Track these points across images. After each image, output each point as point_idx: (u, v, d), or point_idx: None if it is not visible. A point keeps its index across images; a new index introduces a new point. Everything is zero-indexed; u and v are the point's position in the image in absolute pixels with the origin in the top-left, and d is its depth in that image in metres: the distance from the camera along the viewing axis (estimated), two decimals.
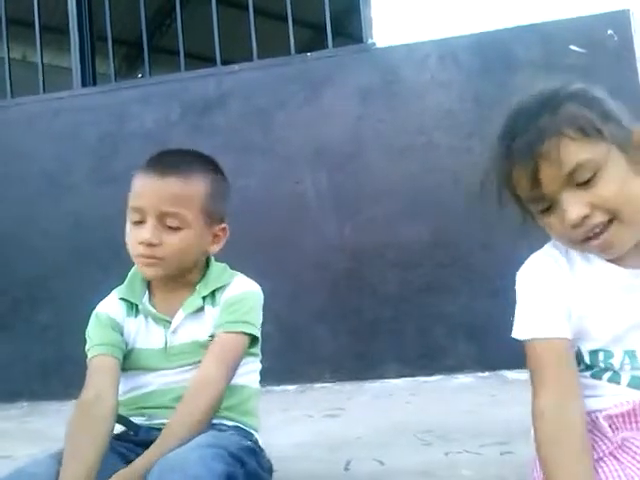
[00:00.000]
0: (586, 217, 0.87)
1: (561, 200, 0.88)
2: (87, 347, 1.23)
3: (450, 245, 2.93)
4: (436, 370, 2.81)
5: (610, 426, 0.91)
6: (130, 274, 1.30)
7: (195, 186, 1.19)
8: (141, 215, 1.17)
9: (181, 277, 1.24)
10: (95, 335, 1.23)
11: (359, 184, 3.05)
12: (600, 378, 0.95)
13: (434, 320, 2.91)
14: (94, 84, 3.63)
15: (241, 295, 1.24)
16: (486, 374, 2.59)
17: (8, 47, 3.58)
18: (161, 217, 1.16)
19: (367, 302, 2.98)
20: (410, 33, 3.09)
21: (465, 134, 2.96)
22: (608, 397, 0.93)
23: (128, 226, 1.21)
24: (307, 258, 3.05)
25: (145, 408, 1.19)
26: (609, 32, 2.88)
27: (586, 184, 0.87)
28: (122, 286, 1.29)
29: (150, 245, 1.16)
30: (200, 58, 4.57)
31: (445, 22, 3.04)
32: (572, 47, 2.89)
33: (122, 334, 1.24)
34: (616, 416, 0.91)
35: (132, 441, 1.17)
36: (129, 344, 1.25)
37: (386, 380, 2.82)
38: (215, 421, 1.16)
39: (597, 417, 0.92)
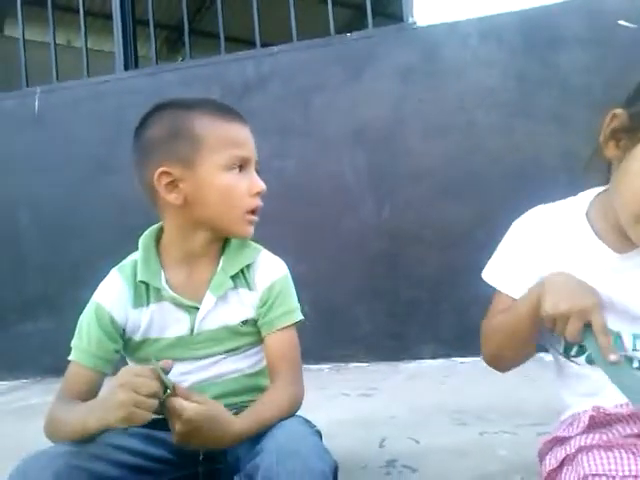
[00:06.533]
0: None
1: None
2: (73, 342, 1.11)
3: (489, 226, 2.86)
4: (472, 351, 2.77)
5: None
6: (143, 248, 1.13)
7: None
8: (244, 164, 1.12)
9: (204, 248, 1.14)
10: (87, 335, 1.10)
11: (398, 165, 3.02)
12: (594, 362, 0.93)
13: (471, 301, 2.86)
14: (136, 67, 3.68)
15: (281, 280, 1.16)
16: None
17: (54, 32, 3.66)
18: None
19: (404, 283, 2.96)
20: (451, 11, 3.03)
21: (507, 113, 2.89)
22: (608, 398, 0.92)
23: (225, 177, 1.08)
24: (345, 239, 3.05)
25: None
26: None
27: None
28: (137, 263, 1.12)
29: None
30: (239, 41, 4.58)
31: None
32: (621, 22, 2.78)
33: (122, 333, 1.11)
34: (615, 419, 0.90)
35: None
36: (137, 335, 1.12)
37: (421, 361, 2.81)
38: None
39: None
